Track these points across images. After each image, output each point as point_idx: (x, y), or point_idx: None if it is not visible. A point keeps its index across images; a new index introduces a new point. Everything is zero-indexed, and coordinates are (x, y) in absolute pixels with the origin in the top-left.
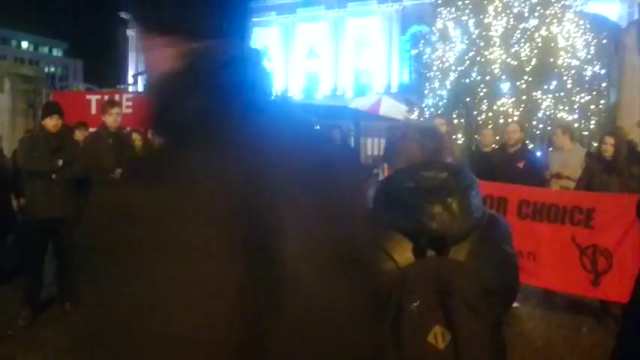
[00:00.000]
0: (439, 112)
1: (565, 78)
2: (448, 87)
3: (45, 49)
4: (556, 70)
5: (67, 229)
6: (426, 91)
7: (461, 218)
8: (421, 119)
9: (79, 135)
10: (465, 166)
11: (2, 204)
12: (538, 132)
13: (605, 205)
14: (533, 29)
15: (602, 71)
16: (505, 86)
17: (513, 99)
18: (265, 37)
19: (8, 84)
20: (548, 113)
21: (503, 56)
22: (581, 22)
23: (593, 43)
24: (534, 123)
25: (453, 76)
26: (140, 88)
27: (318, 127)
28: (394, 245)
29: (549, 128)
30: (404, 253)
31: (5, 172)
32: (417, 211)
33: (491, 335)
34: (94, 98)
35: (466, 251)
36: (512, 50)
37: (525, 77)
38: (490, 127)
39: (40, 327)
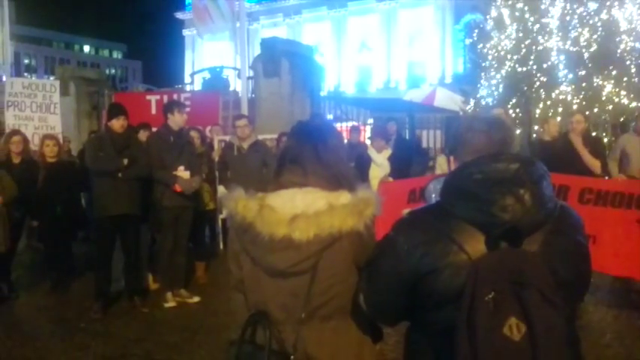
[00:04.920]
0: (494, 102)
1: (628, 63)
2: (504, 76)
3: (105, 52)
4: (618, 55)
5: (134, 226)
6: (482, 81)
7: (533, 209)
8: (477, 110)
9: (143, 135)
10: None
11: (72, 202)
12: (604, 117)
13: None
14: (592, 13)
15: None
16: (563, 74)
17: (572, 86)
18: (317, 32)
19: (73, 87)
20: (611, 100)
21: (560, 43)
22: None
23: None
24: (595, 111)
25: (508, 65)
26: (197, 87)
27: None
28: (466, 237)
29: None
30: (476, 245)
31: (74, 171)
32: (488, 203)
33: (567, 327)
34: (153, 99)
35: (539, 242)
36: (571, 36)
37: (585, 64)
38: (550, 115)
39: (111, 319)
